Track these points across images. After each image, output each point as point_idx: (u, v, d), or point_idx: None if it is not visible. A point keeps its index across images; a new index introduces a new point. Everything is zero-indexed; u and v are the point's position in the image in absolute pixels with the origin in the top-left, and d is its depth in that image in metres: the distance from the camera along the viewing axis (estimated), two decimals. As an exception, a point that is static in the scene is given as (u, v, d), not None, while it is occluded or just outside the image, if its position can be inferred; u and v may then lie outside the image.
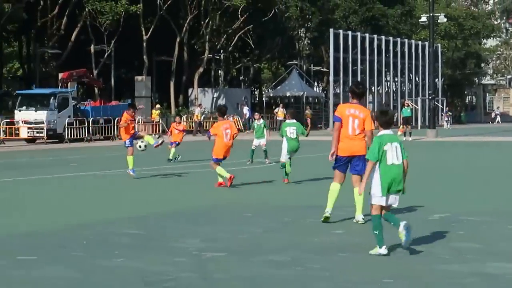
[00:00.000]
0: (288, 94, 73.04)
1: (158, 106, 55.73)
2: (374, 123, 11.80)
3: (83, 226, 12.36)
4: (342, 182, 12.33)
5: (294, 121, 19.31)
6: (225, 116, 19.02)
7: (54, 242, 10.96)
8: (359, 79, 69.55)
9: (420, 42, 78.73)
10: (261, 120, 26.98)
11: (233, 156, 20.14)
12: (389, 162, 9.71)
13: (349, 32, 68.65)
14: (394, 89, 78.39)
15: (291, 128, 18.87)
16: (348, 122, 12.10)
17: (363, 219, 12.23)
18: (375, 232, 9.75)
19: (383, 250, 9.72)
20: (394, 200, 9.86)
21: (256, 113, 30.14)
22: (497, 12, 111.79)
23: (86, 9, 56.16)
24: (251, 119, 57.64)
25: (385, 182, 9.67)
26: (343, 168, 12.26)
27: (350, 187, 12.30)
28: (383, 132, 9.91)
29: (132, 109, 20.78)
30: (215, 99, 64.39)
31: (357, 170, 12.11)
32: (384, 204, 9.78)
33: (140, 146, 19.94)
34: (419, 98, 75.05)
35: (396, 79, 78.06)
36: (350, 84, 67.51)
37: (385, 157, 9.70)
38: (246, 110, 63.06)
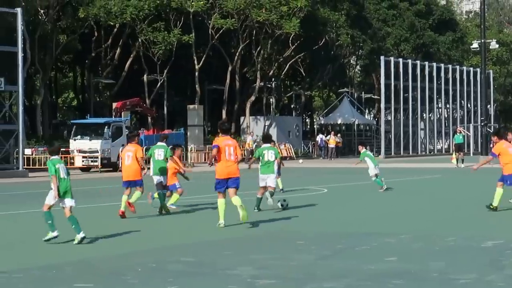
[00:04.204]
0: (339, 121, 73.07)
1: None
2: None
3: (138, 253, 12.51)
4: (225, 197, 15.46)
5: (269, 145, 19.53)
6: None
7: (109, 269, 11.10)
8: (410, 106, 69.35)
9: (471, 69, 78.16)
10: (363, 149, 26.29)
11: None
12: (62, 176, 13.46)
13: (400, 60, 68.49)
14: (446, 116, 77.82)
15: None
16: (225, 151, 15.33)
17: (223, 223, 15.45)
18: (48, 222, 13.61)
19: (55, 233, 13.60)
20: (70, 203, 13.63)
21: (360, 145, 28.39)
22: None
23: (139, 40, 56.95)
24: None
25: (60, 190, 13.43)
26: (223, 188, 15.41)
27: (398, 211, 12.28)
28: (54, 158, 13.72)
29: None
30: (267, 127, 64.63)
31: (234, 185, 15.45)
32: (52, 204, 13.57)
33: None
34: (471, 124, 74.37)
35: (447, 106, 77.52)
36: (401, 111, 67.87)
37: (59, 172, 13.37)
38: (319, 137, 64.58)
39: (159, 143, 19.89)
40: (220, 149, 15.34)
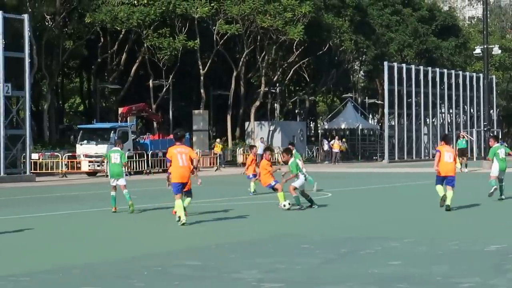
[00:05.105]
0: (343, 126, 73.18)
1: (218, 140, 56.15)
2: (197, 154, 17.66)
3: (144, 257, 12.59)
4: (182, 198, 16.81)
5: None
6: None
7: (115, 272, 11.19)
8: (413, 111, 69.47)
9: (474, 74, 78.22)
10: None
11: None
12: None
13: (404, 65, 68.62)
14: (449, 121, 77.86)
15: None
16: (178, 158, 16.63)
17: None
18: None
19: None
20: None
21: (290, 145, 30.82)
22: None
23: (145, 45, 57.14)
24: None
25: None
26: (180, 190, 16.72)
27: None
28: None
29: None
30: (271, 132, 64.78)
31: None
32: None
33: (284, 206, 20.14)
34: (474, 129, 74.45)
35: (450, 111, 77.57)
36: (405, 116, 67.96)
37: None
38: (325, 143, 64.88)
39: (114, 148, 21.11)
40: (172, 159, 16.70)
